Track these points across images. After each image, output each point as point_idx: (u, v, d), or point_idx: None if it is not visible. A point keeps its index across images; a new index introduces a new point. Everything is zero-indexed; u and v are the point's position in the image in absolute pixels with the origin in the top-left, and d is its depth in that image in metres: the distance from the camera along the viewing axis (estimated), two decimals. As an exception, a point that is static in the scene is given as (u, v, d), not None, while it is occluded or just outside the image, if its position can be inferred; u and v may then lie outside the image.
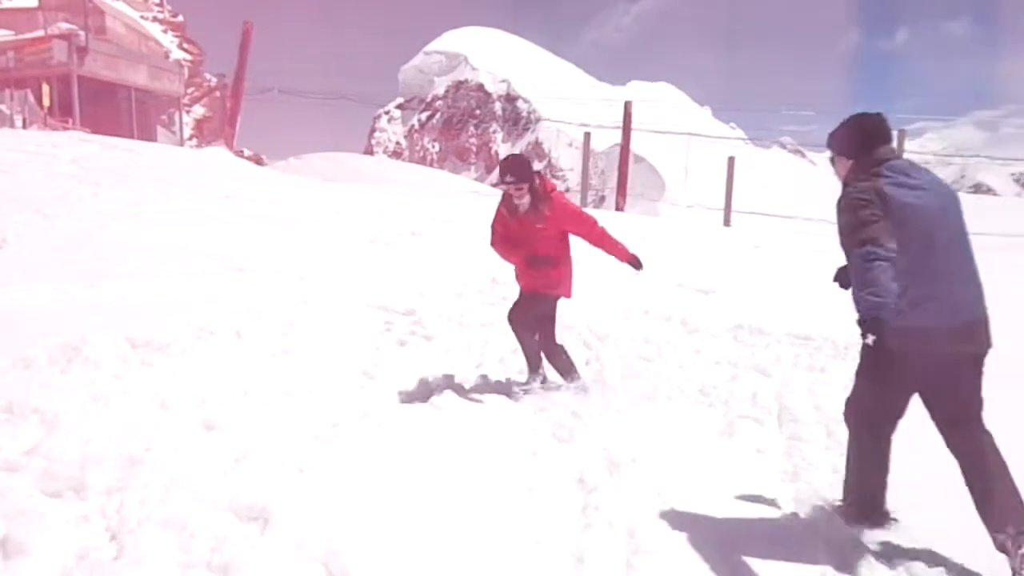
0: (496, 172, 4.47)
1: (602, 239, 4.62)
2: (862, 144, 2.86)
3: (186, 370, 4.44)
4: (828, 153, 3.03)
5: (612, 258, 4.67)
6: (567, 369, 4.80)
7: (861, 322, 2.56)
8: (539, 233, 4.55)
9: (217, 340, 5.06)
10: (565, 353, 4.87)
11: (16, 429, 3.38)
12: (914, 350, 2.71)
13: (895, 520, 3.08)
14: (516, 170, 4.47)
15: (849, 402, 3.09)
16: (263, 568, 2.49)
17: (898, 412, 2.97)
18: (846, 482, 3.17)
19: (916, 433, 3.92)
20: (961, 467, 2.83)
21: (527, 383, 4.80)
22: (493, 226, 4.78)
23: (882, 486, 3.06)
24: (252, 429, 3.62)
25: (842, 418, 3.17)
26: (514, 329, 4.79)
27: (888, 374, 2.84)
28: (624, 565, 2.76)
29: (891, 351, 2.62)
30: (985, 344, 2.82)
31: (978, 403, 2.86)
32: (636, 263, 4.63)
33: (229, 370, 4.52)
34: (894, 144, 2.92)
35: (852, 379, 3.07)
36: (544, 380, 4.85)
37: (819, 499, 3.33)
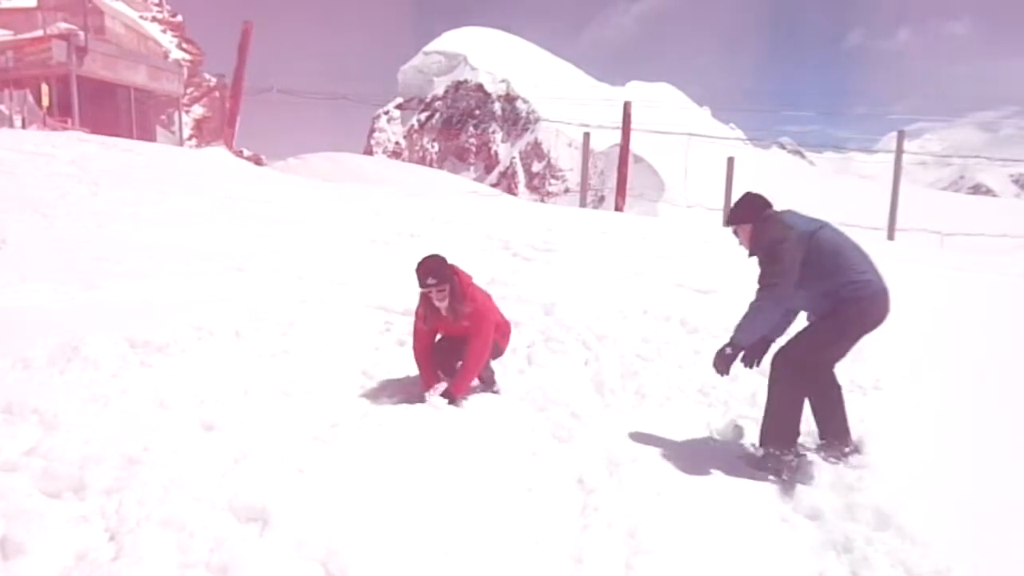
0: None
1: (471, 353, 4.40)
2: (756, 211, 3.84)
3: (185, 370, 4.44)
4: (730, 228, 3.94)
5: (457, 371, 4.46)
6: (489, 378, 4.77)
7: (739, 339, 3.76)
8: (465, 329, 4.44)
9: (216, 340, 5.05)
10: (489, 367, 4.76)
11: (15, 429, 3.37)
12: (877, 313, 3.68)
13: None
14: (437, 272, 4.32)
15: (815, 356, 3.71)
16: (262, 568, 2.49)
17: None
18: (823, 429, 3.82)
19: (912, 438, 3.92)
20: (830, 398, 3.81)
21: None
22: (416, 329, 4.58)
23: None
24: (251, 429, 3.62)
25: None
26: (418, 360, 4.60)
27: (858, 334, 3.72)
28: (623, 566, 2.76)
29: (870, 316, 3.65)
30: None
31: None
32: (449, 396, 4.31)
33: (228, 370, 4.52)
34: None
35: (815, 339, 3.70)
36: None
37: (818, 499, 3.34)
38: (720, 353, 3.79)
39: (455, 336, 4.58)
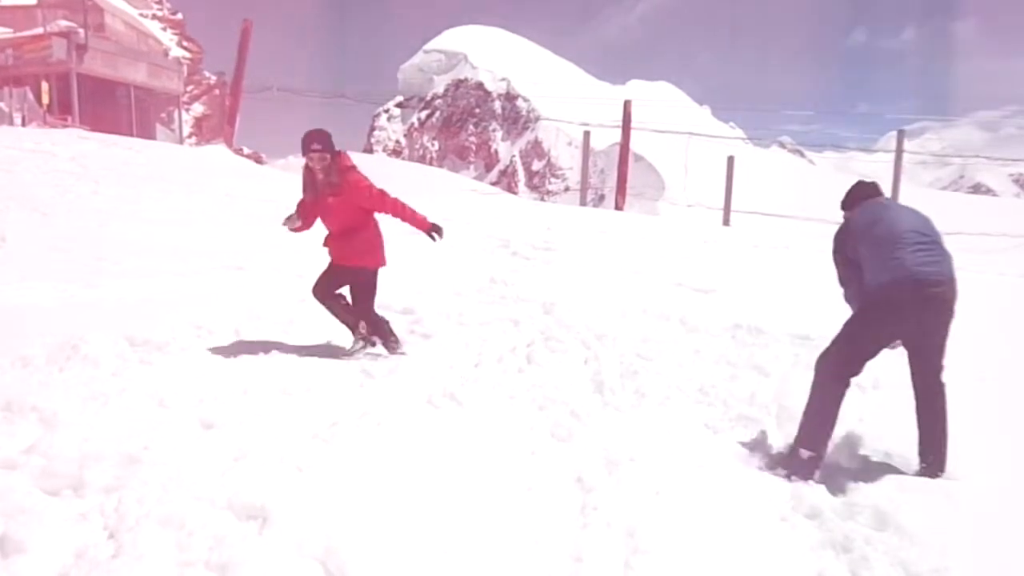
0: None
1: (398, 211, 5.04)
2: (853, 202, 3.98)
3: (185, 369, 4.44)
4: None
5: (413, 230, 5.11)
6: (387, 337, 5.21)
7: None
8: (335, 207, 4.94)
9: (216, 338, 5.06)
10: (385, 322, 5.22)
11: (15, 427, 3.38)
12: (898, 297, 3.55)
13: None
14: (322, 139, 4.81)
15: (841, 359, 3.68)
16: (261, 567, 2.49)
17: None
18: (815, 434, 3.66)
19: (912, 438, 3.92)
20: (924, 408, 3.72)
21: (352, 348, 5.17)
22: (299, 206, 5.10)
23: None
24: (251, 428, 3.62)
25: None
26: (321, 301, 5.10)
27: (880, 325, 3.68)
28: (622, 565, 2.76)
29: (889, 303, 3.56)
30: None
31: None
32: (432, 231, 5.09)
33: (228, 369, 4.53)
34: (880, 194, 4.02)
35: (838, 341, 3.71)
36: (373, 345, 5.20)
37: (817, 498, 3.34)
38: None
39: (331, 227, 5.04)
